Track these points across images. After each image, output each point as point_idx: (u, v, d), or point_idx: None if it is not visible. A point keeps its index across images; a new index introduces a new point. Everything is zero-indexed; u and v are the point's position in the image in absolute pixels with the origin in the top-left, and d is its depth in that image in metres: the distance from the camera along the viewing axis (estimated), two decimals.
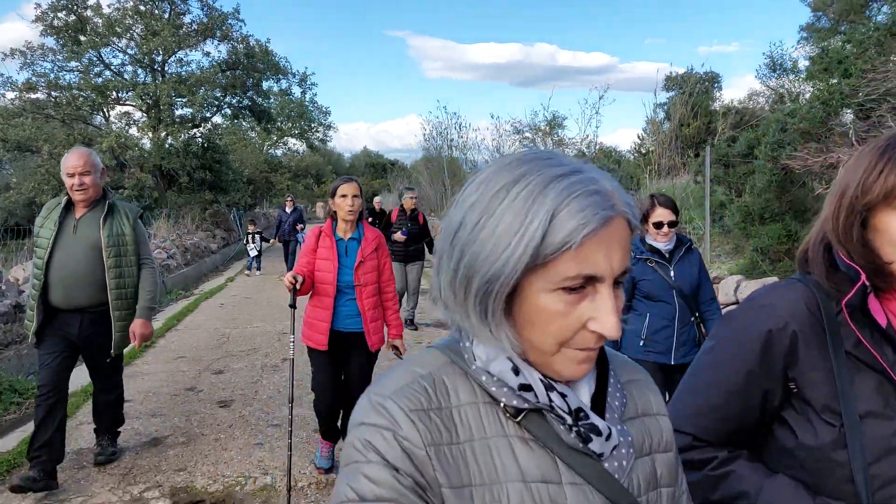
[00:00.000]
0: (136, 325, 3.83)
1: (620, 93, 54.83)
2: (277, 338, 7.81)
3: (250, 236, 14.05)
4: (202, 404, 5.35)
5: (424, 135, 25.51)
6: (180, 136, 17.85)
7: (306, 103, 32.89)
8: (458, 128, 24.40)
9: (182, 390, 5.73)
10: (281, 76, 21.60)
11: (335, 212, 3.75)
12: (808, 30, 23.19)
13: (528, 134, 31.71)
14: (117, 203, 3.90)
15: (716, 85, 27.00)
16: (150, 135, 17.56)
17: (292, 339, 3.74)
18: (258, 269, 14.16)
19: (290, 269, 12.26)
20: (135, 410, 5.18)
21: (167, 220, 16.22)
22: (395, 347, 3.91)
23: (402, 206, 8.30)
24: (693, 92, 22.05)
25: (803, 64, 17.29)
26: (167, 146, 17.63)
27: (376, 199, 13.56)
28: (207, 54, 19.84)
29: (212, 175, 19.08)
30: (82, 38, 17.55)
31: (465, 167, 24.32)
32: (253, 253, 13.95)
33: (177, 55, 18.54)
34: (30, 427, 4.63)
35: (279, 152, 44.88)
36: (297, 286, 3.49)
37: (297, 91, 27.66)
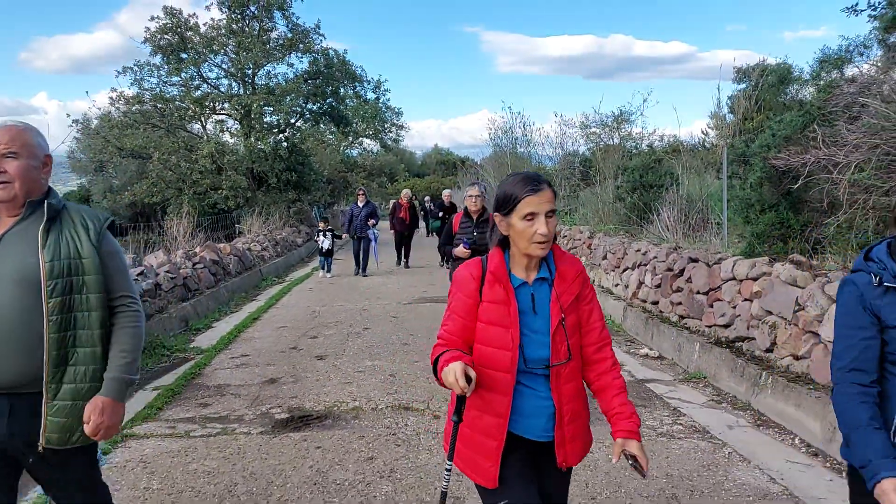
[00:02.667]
0: (97, 407, 2.18)
1: (700, 82, 54.22)
2: (359, 312, 9.39)
3: (321, 234, 13.32)
4: (303, 358, 6.90)
5: (490, 134, 26.64)
6: (269, 141, 19.84)
7: (379, 105, 34.71)
8: (522, 126, 25.40)
9: (287, 349, 7.31)
10: (357, 83, 23.40)
11: (504, 236, 2.12)
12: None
13: (595, 129, 32.31)
14: (69, 207, 2.29)
15: (792, 75, 26.66)
16: (243, 141, 19.61)
17: (448, 468, 2.01)
18: (328, 270, 13.25)
19: (359, 268, 13.16)
20: (254, 361, 6.79)
21: (259, 217, 18.17)
22: (633, 457, 2.02)
23: (465, 208, 6.37)
24: (758, 84, 22.26)
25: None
26: (258, 150, 19.64)
27: (446, 192, 14.63)
28: (291, 65, 21.65)
29: (296, 176, 20.99)
30: (184, 55, 19.80)
31: (532, 162, 25.37)
32: (326, 245, 13.15)
33: (265, 68, 20.56)
34: (169, 377, 6.31)
35: (354, 152, 47.08)
36: (468, 391, 1.82)
37: (371, 96, 29.31)
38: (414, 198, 24.61)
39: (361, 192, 13.40)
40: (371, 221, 12.90)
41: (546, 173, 18.37)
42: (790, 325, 5.34)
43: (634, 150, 33.92)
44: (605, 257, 9.99)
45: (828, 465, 4.25)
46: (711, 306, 6.59)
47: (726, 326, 6.29)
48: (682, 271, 7.37)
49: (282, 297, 11.03)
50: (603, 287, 9.88)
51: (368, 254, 13.18)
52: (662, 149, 32.14)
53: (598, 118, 32.03)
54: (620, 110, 32.88)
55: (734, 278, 6.31)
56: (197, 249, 11.23)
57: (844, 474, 4.08)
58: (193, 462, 4.24)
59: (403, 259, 14.48)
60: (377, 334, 7.96)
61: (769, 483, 3.99)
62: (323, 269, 13.37)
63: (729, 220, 7.46)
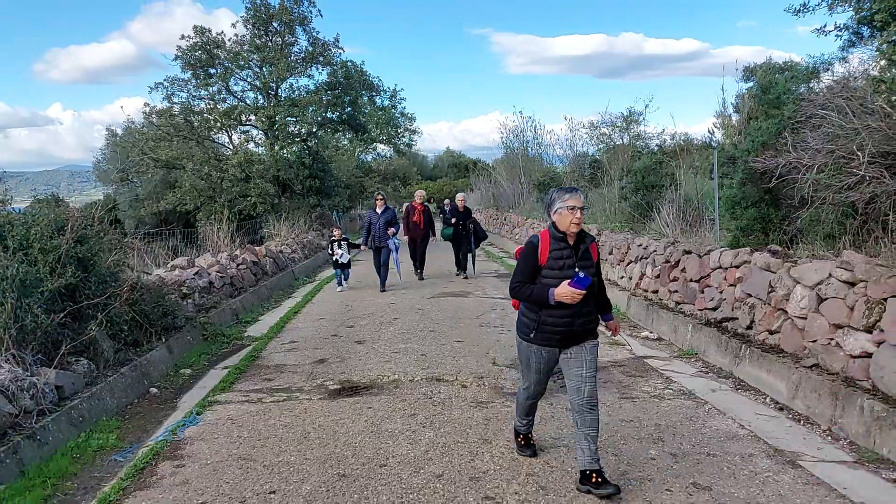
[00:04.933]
0: None
1: (713, 78, 54.81)
2: (387, 306, 10.37)
3: (335, 243, 12.25)
4: (344, 342, 7.88)
5: (502, 138, 27.53)
6: (293, 150, 20.92)
7: (393, 112, 35.75)
8: (533, 129, 26.32)
9: (329, 336, 8.30)
10: (374, 93, 24.46)
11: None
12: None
13: (605, 129, 33.04)
14: None
15: (800, 72, 27.29)
16: (269, 150, 20.71)
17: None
18: (344, 279, 12.29)
19: (381, 280, 12.09)
20: (302, 346, 7.78)
21: (286, 222, 19.23)
22: None
23: (551, 225, 3.84)
24: (763, 84, 22.99)
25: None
26: (283, 159, 20.73)
27: (459, 195, 14.19)
28: (311, 77, 22.83)
29: (318, 182, 22.04)
30: (212, 70, 20.94)
31: (543, 163, 26.26)
32: (344, 259, 12.20)
33: (288, 81, 21.66)
34: (233, 359, 7.31)
35: (369, 157, 48.18)
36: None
37: (386, 102, 30.37)
38: (431, 199, 25.60)
39: (380, 198, 12.15)
40: (391, 230, 11.86)
41: (556, 176, 19.22)
42: (765, 304, 6.23)
43: (644, 150, 34.59)
44: (611, 252, 10.89)
45: (790, 417, 5.14)
46: (703, 292, 7.48)
47: (714, 309, 7.18)
48: (677, 262, 8.26)
49: (315, 294, 12.04)
50: (609, 280, 10.77)
51: (388, 265, 12.19)
52: (672, 147, 32.80)
53: (608, 118, 32.70)
54: (629, 110, 33.56)
55: (721, 267, 7.20)
56: (237, 252, 12.26)
57: (802, 423, 4.99)
58: (271, 419, 5.22)
59: (417, 269, 13.49)
60: (407, 323, 8.93)
61: (738, 429, 4.90)
62: (339, 282, 12.26)
63: (720, 216, 8.36)
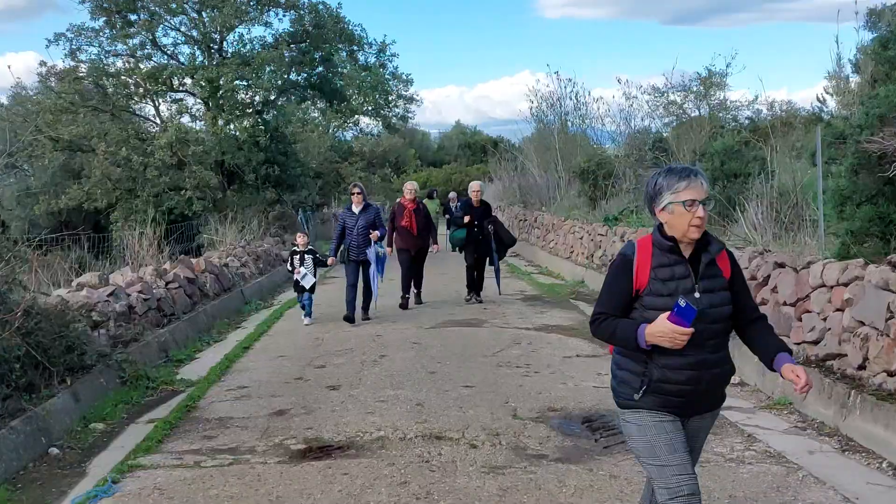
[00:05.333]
0: None
1: (827, 26, 54.92)
2: (371, 339, 10.62)
3: (297, 257, 12.20)
4: (312, 388, 8.11)
5: (532, 109, 27.77)
6: (244, 125, 21.25)
7: (382, 73, 36.06)
8: (575, 96, 26.57)
9: (292, 379, 8.53)
10: (355, 47, 24.83)
11: None
12: None
13: (674, 96, 33.27)
14: None
15: None
16: (210, 125, 21.06)
17: None
18: (308, 314, 12.25)
19: (352, 311, 11.87)
20: (256, 392, 8.01)
21: (232, 224, 19.53)
22: None
23: (652, 230, 4.62)
24: (883, 38, 23.26)
25: None
26: (229, 138, 21.06)
27: (473, 184, 14.05)
28: (268, 25, 22.99)
29: (277, 169, 22.38)
30: (133, 16, 21.35)
31: (590, 142, 26.45)
32: (308, 282, 12.08)
33: (237, 31, 22.06)
34: (161, 410, 7.54)
35: (349, 135, 48.54)
36: None
37: (372, 60, 30.67)
38: (435, 194, 25.78)
39: (357, 191, 12.07)
40: (374, 234, 11.87)
41: (606, 160, 19.46)
42: (883, 335, 6.41)
43: (730, 125, 34.75)
44: None
45: None
46: (800, 320, 7.66)
47: (816, 343, 7.36)
48: (766, 279, 8.44)
49: (274, 323, 12.27)
50: None
51: (370, 285, 12.23)
52: (769, 121, 32.89)
53: (678, 80, 32.91)
54: (708, 69, 33.82)
55: (824, 285, 7.39)
56: (167, 266, 12.53)
57: None
58: (213, 488, 5.43)
59: (413, 290, 13.51)
60: (397, 363, 9.16)
61: (843, 503, 5.07)
62: (304, 307, 12.25)
63: (825, 215, 8.54)
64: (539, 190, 26.01)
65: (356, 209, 12.03)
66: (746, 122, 35.23)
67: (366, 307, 12.34)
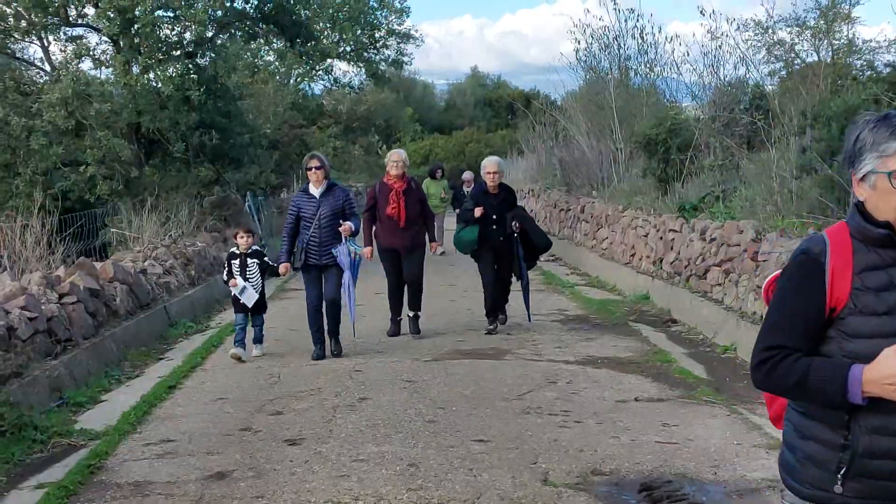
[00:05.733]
0: None
1: None
2: (348, 375, 10.84)
3: (236, 263, 12.32)
4: (264, 443, 8.32)
5: (577, 52, 27.90)
6: (168, 73, 21.44)
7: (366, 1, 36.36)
8: (640, 33, 26.68)
9: (235, 430, 8.74)
10: None
11: None
12: None
13: (783, 33, 33.32)
14: None
15: None
16: (122, 74, 21.25)
17: None
18: (256, 339, 12.39)
19: (320, 343, 12.01)
20: (185, 449, 8.22)
21: (152, 213, 19.77)
22: None
23: None
24: None
25: None
26: (148, 90, 21.24)
27: (488, 161, 13.68)
28: None
29: (216, 137, 22.56)
30: None
31: (661, 99, 26.51)
32: (249, 298, 12.20)
33: None
34: (54, 471, 7.79)
35: (318, 88, 48.76)
36: None
37: None
38: (440, 172, 25.61)
39: (316, 164, 12.01)
40: (346, 227, 11.87)
41: (682, 125, 19.61)
42: None
43: (864, 73, 34.81)
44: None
45: None
46: None
47: None
48: None
49: (210, 353, 12.48)
50: None
51: (341, 304, 12.23)
52: None
53: (790, 12, 32.81)
54: None
55: None
56: (61, 272, 12.76)
57: None
58: None
59: (408, 312, 13.50)
60: (383, 407, 9.33)
61: None
62: (240, 341, 12.10)
63: None
64: (588, 167, 26.13)
65: (315, 191, 11.99)
66: (886, 70, 35.29)
67: (333, 333, 12.16)
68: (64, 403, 9.74)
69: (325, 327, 12.08)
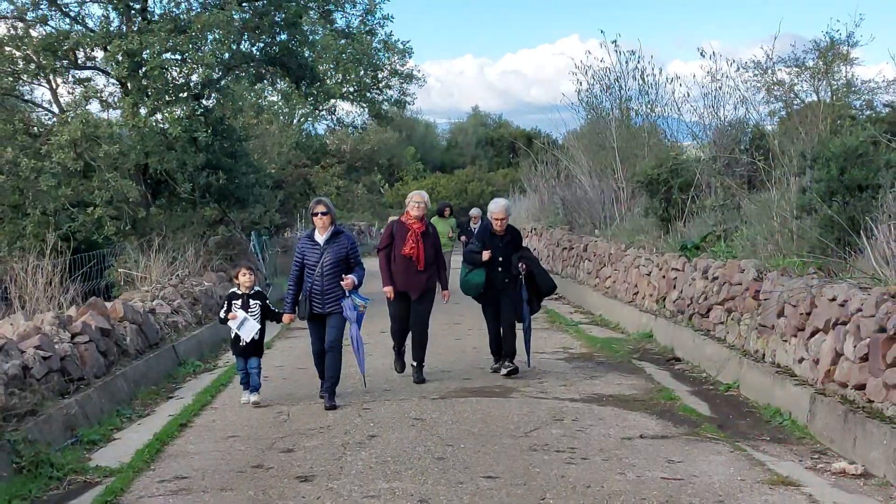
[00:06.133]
0: None
1: None
2: (356, 413, 11.04)
3: (237, 302, 12.05)
4: (277, 479, 8.49)
5: (579, 92, 28.19)
6: (176, 115, 21.69)
7: (370, 41, 36.64)
8: (640, 74, 26.98)
9: (247, 468, 8.92)
10: (333, 6, 25.37)
11: None
12: None
13: (782, 72, 33.55)
14: None
15: None
16: (130, 116, 21.50)
17: None
18: (252, 388, 11.99)
19: (329, 389, 11.69)
20: (198, 486, 8.40)
21: (159, 252, 19.97)
22: None
23: None
24: None
25: None
26: (156, 133, 21.49)
27: (497, 205, 13.47)
28: None
29: (223, 177, 22.81)
30: None
31: (662, 138, 26.75)
32: (248, 330, 11.89)
33: None
34: (81, 499, 7.95)
35: (321, 128, 49.04)
36: None
37: (356, 23, 31.26)
38: (448, 211, 25.79)
39: (322, 210, 11.83)
40: (348, 280, 11.69)
41: (683, 165, 19.83)
42: None
43: (863, 113, 35.17)
44: (781, 314, 11.46)
45: None
46: None
47: None
48: None
49: (220, 392, 12.68)
50: (780, 365, 11.33)
51: (341, 351, 12.01)
52: None
53: (789, 52, 33.07)
54: (830, 36, 34.13)
55: None
56: (71, 312, 12.95)
57: None
58: None
59: (412, 362, 13.21)
60: (392, 445, 9.53)
61: None
62: (245, 383, 12.06)
63: None
64: (591, 206, 26.37)
65: (320, 238, 11.81)
66: (885, 110, 35.60)
67: (330, 390, 11.77)
68: (78, 441, 9.94)
69: (326, 382, 11.76)
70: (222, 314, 12.08)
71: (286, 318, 12.19)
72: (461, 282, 13.30)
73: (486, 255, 12.97)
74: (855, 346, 9.47)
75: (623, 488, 7.99)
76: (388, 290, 12.84)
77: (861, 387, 9.32)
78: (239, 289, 12.12)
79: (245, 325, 11.82)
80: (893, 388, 8.70)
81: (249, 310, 11.91)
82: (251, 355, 11.92)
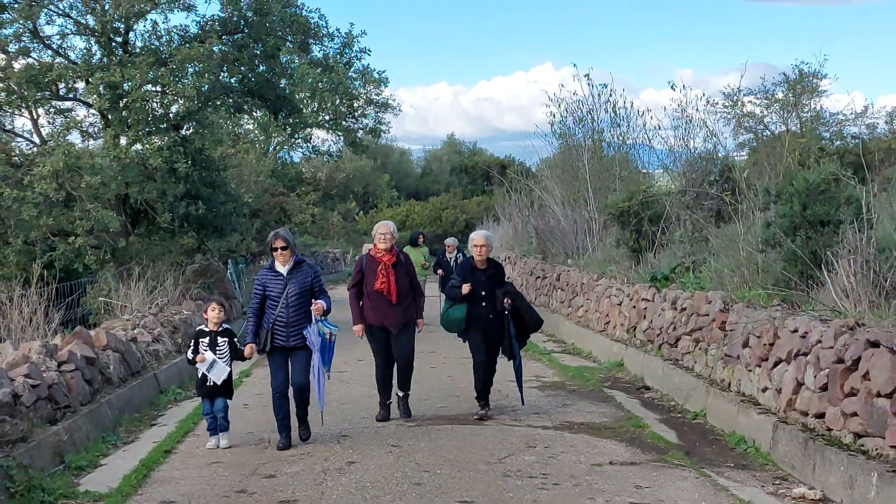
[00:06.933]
0: None
1: None
2: (336, 440, 11.38)
3: (204, 339, 11.57)
4: None
5: (552, 123, 28.69)
6: (155, 145, 22.01)
7: (347, 72, 37.07)
8: (611, 106, 27.49)
9: (231, 492, 9.25)
10: (311, 40, 25.76)
11: None
12: None
13: (752, 104, 34.07)
14: None
15: None
16: (111, 147, 21.80)
17: None
18: (219, 429, 11.45)
19: (285, 431, 11.17)
20: None
21: (139, 281, 20.23)
22: None
23: None
24: None
25: None
26: (136, 163, 21.80)
27: (478, 236, 13.16)
28: (190, 9, 23.70)
29: (202, 207, 23.12)
30: (6, 0, 22.20)
31: (634, 167, 27.22)
32: (219, 373, 11.39)
33: (148, 17, 22.92)
34: None
35: (296, 156, 49.28)
36: None
37: (335, 55, 31.73)
38: (422, 239, 25.97)
39: (281, 245, 11.41)
40: (318, 306, 11.32)
41: (653, 196, 20.26)
42: None
43: (833, 144, 35.59)
44: (746, 344, 11.87)
45: None
46: None
47: None
48: (856, 363, 9.23)
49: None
50: (744, 394, 11.74)
51: (308, 388, 11.49)
52: (894, 136, 33.70)
53: (759, 84, 33.55)
54: (798, 69, 34.80)
55: None
56: (56, 341, 13.23)
57: None
58: None
59: (397, 392, 12.94)
60: (371, 471, 9.87)
61: None
62: (211, 430, 11.51)
63: None
64: (563, 235, 26.72)
65: (282, 268, 11.41)
66: (853, 142, 36.14)
67: (302, 417, 11.51)
68: (66, 467, 10.23)
69: (295, 411, 11.42)
70: (190, 354, 11.59)
71: (248, 350, 11.53)
72: (442, 317, 12.98)
73: (465, 288, 12.49)
74: (815, 377, 9.89)
75: None
76: (358, 328, 12.68)
77: (821, 415, 9.73)
78: (207, 325, 11.68)
79: (215, 367, 11.33)
80: (851, 416, 9.11)
81: (218, 348, 11.42)
82: (218, 396, 11.41)
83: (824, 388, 9.68)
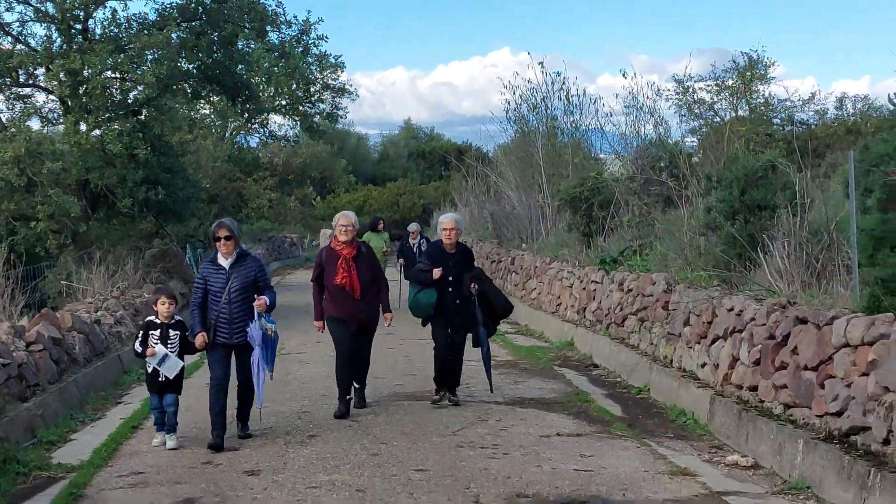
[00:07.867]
0: None
1: None
2: (297, 416, 11.90)
3: (155, 334, 10.79)
4: (226, 473, 9.30)
5: (507, 109, 29.21)
6: (115, 131, 22.32)
7: (304, 58, 37.28)
8: (565, 94, 28.06)
9: (198, 464, 9.71)
10: (268, 26, 26.12)
11: None
12: None
13: (702, 90, 34.62)
14: None
15: None
16: (72, 133, 22.08)
17: None
18: (169, 430, 10.67)
19: (219, 430, 10.42)
20: (154, 479, 9.18)
21: (100, 264, 20.56)
22: None
23: None
24: None
25: None
26: (96, 148, 22.08)
27: (446, 219, 12.84)
28: None
29: (162, 192, 23.45)
30: None
31: (587, 153, 27.75)
32: (172, 368, 10.70)
33: (108, 5, 23.22)
34: (39, 499, 8.74)
35: (254, 141, 49.35)
36: None
37: (292, 42, 32.06)
38: (381, 224, 26.07)
39: (224, 234, 10.82)
40: (260, 301, 10.71)
41: (604, 183, 20.86)
42: None
43: (782, 130, 36.21)
44: (687, 322, 12.50)
45: None
46: (822, 387, 9.03)
47: (839, 414, 8.72)
48: (786, 338, 9.85)
49: None
50: (685, 370, 12.37)
51: (251, 383, 10.94)
52: (840, 122, 34.36)
53: (709, 70, 34.09)
54: (748, 56, 35.44)
55: (848, 345, 8.78)
56: (24, 322, 13.63)
57: None
58: None
59: (354, 385, 12.38)
60: (331, 443, 10.38)
61: None
62: (158, 426, 10.80)
63: (858, 260, 10.01)
64: (518, 221, 27.23)
65: (225, 262, 10.82)
66: (808, 123, 36.80)
67: (243, 417, 11.09)
68: (38, 442, 10.65)
69: (237, 410, 11.03)
70: (138, 346, 10.82)
71: (199, 339, 10.72)
72: (410, 302, 12.56)
73: (437, 272, 12.17)
74: (749, 352, 10.53)
75: (539, 478, 8.92)
76: (318, 324, 12.43)
77: (754, 388, 10.37)
78: (157, 317, 10.93)
79: (166, 361, 10.66)
80: (781, 388, 9.73)
81: (169, 341, 10.73)
82: (168, 391, 10.74)
83: (757, 362, 10.31)
